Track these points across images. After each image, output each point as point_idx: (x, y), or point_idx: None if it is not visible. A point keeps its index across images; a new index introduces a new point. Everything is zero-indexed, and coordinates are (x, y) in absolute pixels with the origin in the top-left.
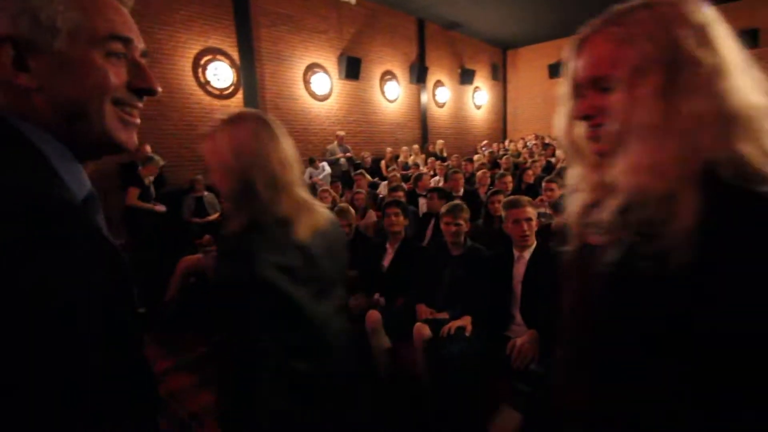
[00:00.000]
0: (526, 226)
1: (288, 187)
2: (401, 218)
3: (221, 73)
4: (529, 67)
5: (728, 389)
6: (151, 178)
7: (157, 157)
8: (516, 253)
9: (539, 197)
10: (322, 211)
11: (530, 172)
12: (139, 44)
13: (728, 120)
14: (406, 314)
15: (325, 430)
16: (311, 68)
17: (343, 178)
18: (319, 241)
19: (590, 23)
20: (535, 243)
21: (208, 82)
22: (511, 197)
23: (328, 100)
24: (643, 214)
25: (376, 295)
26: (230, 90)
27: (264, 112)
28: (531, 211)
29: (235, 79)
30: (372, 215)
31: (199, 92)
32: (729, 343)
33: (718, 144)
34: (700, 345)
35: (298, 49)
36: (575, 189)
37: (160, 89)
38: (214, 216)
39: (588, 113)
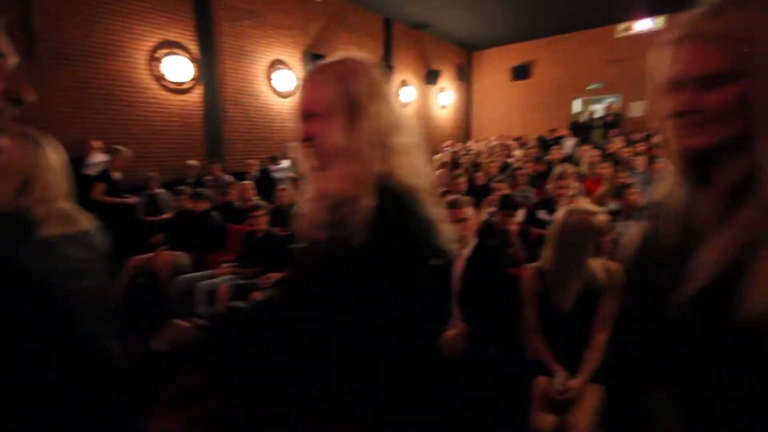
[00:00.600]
0: (460, 226)
1: None
2: None
3: (179, 68)
4: (493, 70)
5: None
6: (117, 174)
7: (123, 149)
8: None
9: (490, 197)
10: None
11: (481, 173)
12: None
13: (389, 149)
14: None
15: None
16: (274, 64)
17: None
18: None
19: (308, 70)
20: (474, 241)
21: (163, 76)
22: (453, 197)
23: (292, 98)
24: (340, 213)
25: None
26: (189, 85)
27: (224, 107)
28: (468, 212)
29: (195, 73)
30: None
31: (154, 86)
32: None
33: (383, 164)
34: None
35: (261, 45)
36: (305, 196)
37: (32, 98)
38: (168, 215)
39: (305, 137)
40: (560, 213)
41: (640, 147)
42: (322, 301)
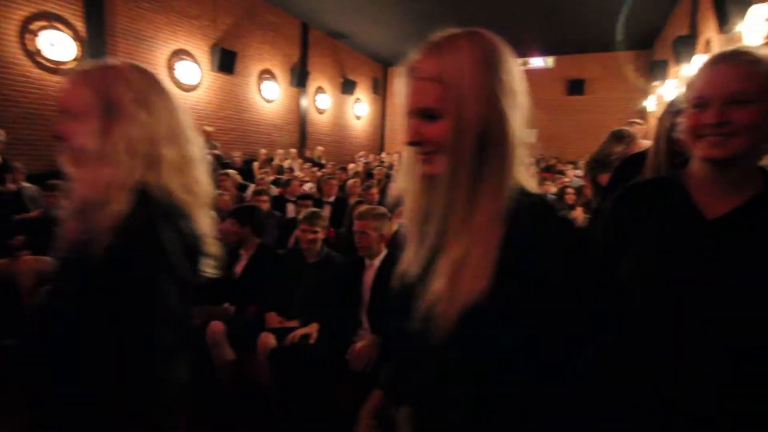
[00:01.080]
0: (359, 237)
1: None
2: (236, 228)
3: (59, 45)
4: None
5: None
6: None
7: None
8: (367, 261)
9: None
10: None
11: (393, 184)
12: None
13: (155, 159)
14: (256, 324)
15: None
16: (178, 54)
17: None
18: None
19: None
20: (384, 252)
21: (38, 52)
22: (362, 209)
23: (196, 92)
24: (88, 218)
25: (225, 304)
26: (71, 65)
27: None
28: (371, 224)
29: (79, 53)
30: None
31: (26, 63)
32: None
33: (146, 173)
34: None
35: (163, 32)
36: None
37: None
38: (34, 213)
39: (57, 135)
40: None
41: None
42: (65, 310)
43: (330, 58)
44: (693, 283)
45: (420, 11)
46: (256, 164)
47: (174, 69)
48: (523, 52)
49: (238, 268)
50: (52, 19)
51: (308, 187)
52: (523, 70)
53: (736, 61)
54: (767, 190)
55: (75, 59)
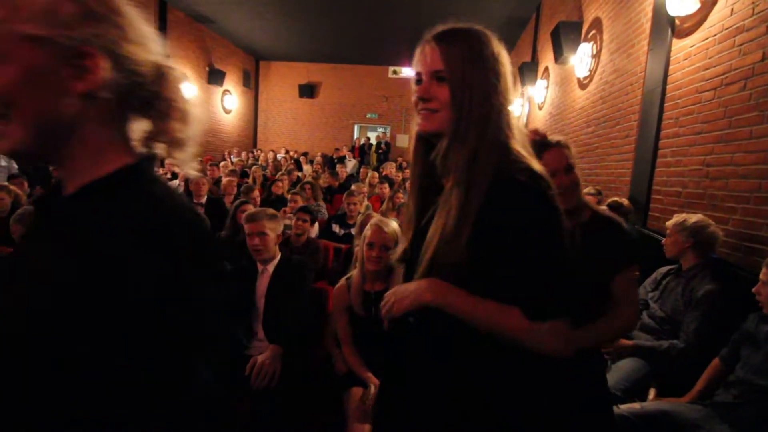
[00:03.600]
0: (258, 240)
1: None
2: None
3: None
4: (281, 83)
5: None
6: None
7: None
8: (260, 266)
9: (283, 208)
10: None
11: (279, 183)
12: None
13: None
14: None
15: None
16: None
17: (31, 172)
18: None
19: None
20: (279, 255)
21: None
22: (252, 210)
23: None
24: None
25: None
26: None
27: None
28: (268, 225)
29: None
30: None
31: None
32: None
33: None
34: None
35: None
36: None
37: None
38: None
39: None
40: (369, 227)
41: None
42: None
43: (194, 44)
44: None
45: (294, 8)
46: None
47: None
48: (395, 60)
49: None
50: None
51: (174, 185)
52: (394, 78)
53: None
54: None
55: None
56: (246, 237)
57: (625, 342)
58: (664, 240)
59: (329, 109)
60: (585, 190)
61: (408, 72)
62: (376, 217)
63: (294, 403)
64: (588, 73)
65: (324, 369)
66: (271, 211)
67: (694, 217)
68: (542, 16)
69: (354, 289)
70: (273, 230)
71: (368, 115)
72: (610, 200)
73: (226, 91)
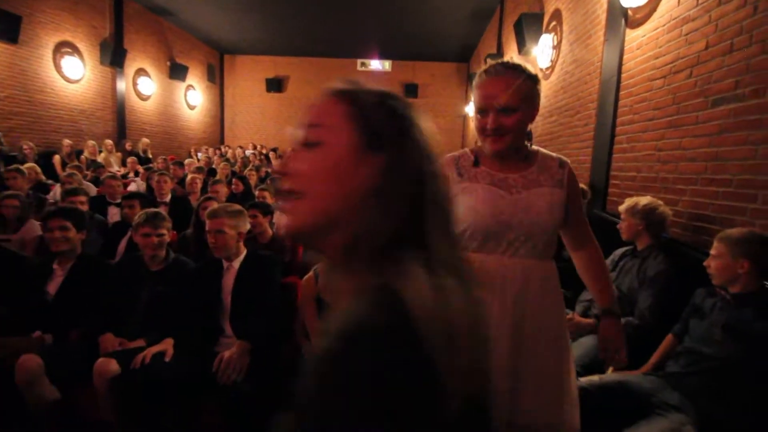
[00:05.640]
0: (214, 237)
1: None
2: (72, 233)
3: None
4: (247, 77)
5: None
6: None
7: None
8: (225, 263)
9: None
10: None
11: (240, 182)
12: None
13: None
14: (86, 350)
15: None
16: None
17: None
18: None
19: None
20: (244, 252)
21: None
22: (214, 206)
23: None
24: None
25: (37, 333)
26: None
27: None
28: (227, 222)
29: None
30: (35, 227)
31: None
32: None
33: None
34: None
35: None
36: None
37: None
38: None
39: None
40: None
41: None
42: None
43: (154, 37)
44: None
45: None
46: (57, 158)
47: None
48: (363, 53)
49: (52, 287)
50: None
51: (138, 185)
52: (363, 72)
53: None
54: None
55: None
56: None
57: (584, 320)
58: (619, 224)
59: (298, 103)
60: None
61: (375, 65)
62: None
63: (265, 398)
64: (550, 64)
65: (294, 362)
66: (234, 207)
67: (644, 200)
68: (506, 8)
69: (322, 279)
70: (233, 227)
71: None
72: None
73: (189, 87)
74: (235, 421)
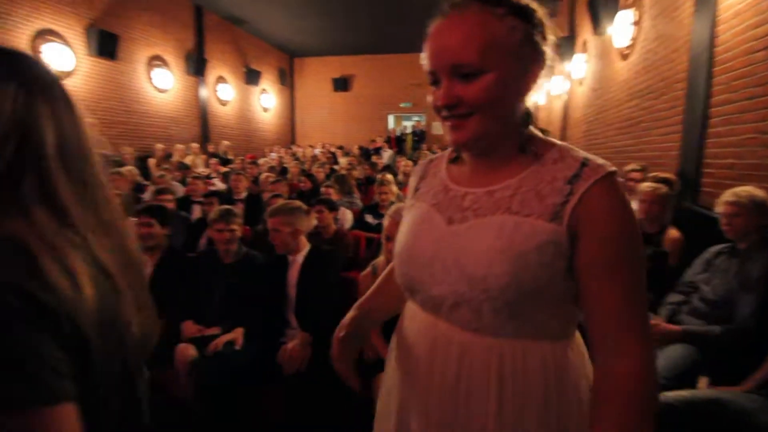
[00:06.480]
0: (274, 235)
1: None
2: (156, 228)
3: None
4: (315, 78)
5: None
6: None
7: None
8: (290, 257)
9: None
10: None
11: (306, 178)
12: None
13: None
14: (170, 335)
15: None
16: (43, 36)
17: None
18: None
19: None
20: (307, 246)
21: None
22: (274, 205)
23: (71, 80)
24: None
25: None
26: None
27: None
28: (283, 220)
29: None
30: (132, 224)
31: None
32: None
33: None
34: None
35: (22, 8)
36: None
37: None
38: None
39: None
40: (386, 218)
41: None
42: None
43: (230, 46)
44: None
45: (324, 2)
46: (152, 161)
47: (40, 52)
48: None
49: None
50: None
51: (216, 185)
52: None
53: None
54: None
55: None
56: None
57: (671, 327)
58: (726, 220)
59: (363, 101)
60: (629, 167)
61: None
62: (393, 208)
63: (325, 388)
64: (629, 43)
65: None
66: (291, 205)
67: (757, 192)
68: None
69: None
70: (288, 225)
71: (402, 105)
72: (652, 174)
73: (263, 90)
74: (296, 410)
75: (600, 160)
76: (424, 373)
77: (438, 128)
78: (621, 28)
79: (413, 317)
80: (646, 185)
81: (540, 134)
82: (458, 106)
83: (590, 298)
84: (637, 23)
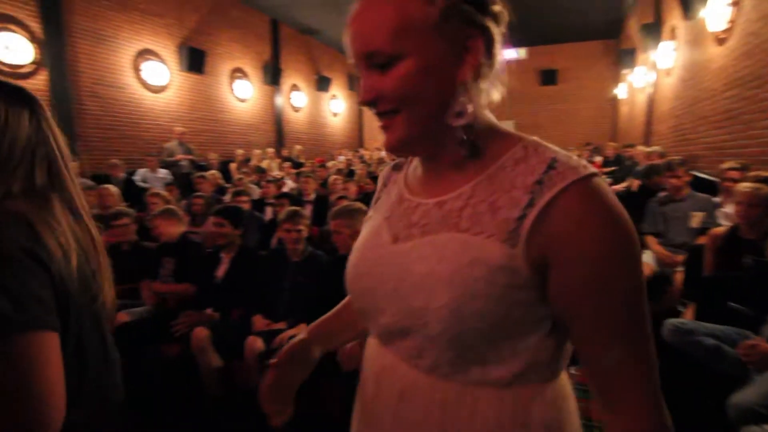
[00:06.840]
0: (336, 237)
1: None
2: (228, 229)
3: (15, 48)
4: None
5: None
6: None
7: None
8: None
9: None
10: None
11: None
12: None
13: None
14: (242, 328)
15: None
16: (143, 55)
17: (183, 180)
18: None
19: None
20: None
21: None
22: (337, 207)
23: (166, 93)
24: None
25: (208, 310)
26: (30, 69)
27: (78, 98)
28: (345, 222)
29: (37, 56)
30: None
31: None
32: None
33: None
34: None
35: (125, 31)
36: None
37: None
38: None
39: None
40: None
41: None
42: None
43: (303, 55)
44: None
45: None
46: (233, 165)
47: (140, 70)
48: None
49: (220, 272)
50: (7, 21)
51: (289, 186)
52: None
53: None
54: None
55: (33, 62)
56: None
57: None
58: None
59: None
60: (726, 165)
61: (508, 54)
62: None
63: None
64: (727, 26)
65: None
66: (351, 207)
67: None
68: None
69: None
70: (349, 227)
71: None
72: (753, 173)
73: (333, 96)
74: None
75: (574, 161)
76: (369, 405)
77: (507, 126)
78: (716, 9)
79: (369, 341)
80: (744, 185)
81: (503, 126)
82: (380, 102)
83: (574, 341)
84: (735, 3)
